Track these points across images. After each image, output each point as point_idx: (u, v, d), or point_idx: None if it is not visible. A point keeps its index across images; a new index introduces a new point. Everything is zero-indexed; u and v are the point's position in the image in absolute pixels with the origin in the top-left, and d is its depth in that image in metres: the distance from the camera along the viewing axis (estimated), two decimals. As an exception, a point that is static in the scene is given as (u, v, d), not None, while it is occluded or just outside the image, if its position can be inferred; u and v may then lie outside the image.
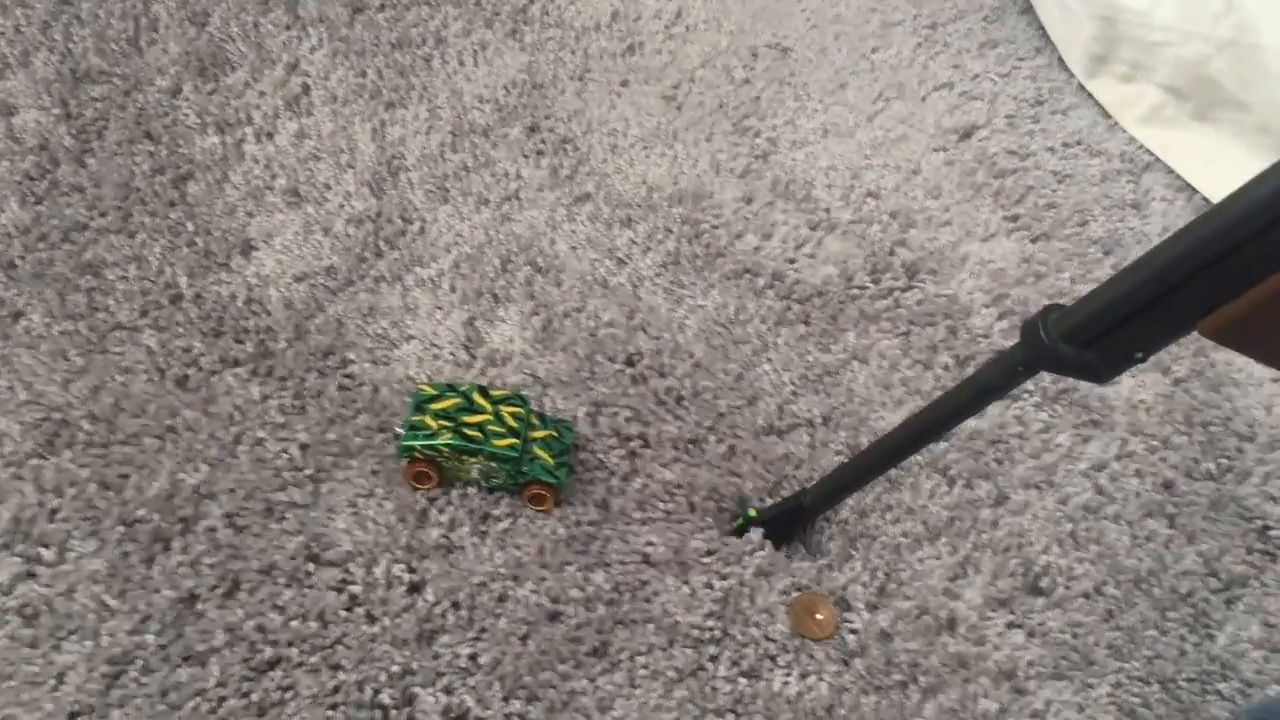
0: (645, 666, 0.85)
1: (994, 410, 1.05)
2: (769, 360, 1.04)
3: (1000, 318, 1.12)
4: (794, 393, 1.03)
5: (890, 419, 1.02)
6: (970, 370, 1.07)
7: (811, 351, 1.06)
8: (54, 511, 0.84)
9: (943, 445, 1.02)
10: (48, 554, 0.82)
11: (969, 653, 0.90)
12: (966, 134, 1.28)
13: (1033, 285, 1.16)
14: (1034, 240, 1.20)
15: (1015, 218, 1.22)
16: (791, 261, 1.12)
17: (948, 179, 1.24)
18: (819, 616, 0.90)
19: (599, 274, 1.07)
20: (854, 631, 0.90)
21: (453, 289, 1.03)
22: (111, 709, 0.77)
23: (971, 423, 1.04)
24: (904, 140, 1.26)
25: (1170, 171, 1.30)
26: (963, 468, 1.01)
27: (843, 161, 1.22)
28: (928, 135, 1.27)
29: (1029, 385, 1.08)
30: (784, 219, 1.15)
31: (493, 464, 0.88)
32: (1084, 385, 1.09)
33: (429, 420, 0.89)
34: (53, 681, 0.77)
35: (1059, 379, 1.08)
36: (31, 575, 0.81)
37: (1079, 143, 1.31)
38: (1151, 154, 1.31)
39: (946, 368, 1.07)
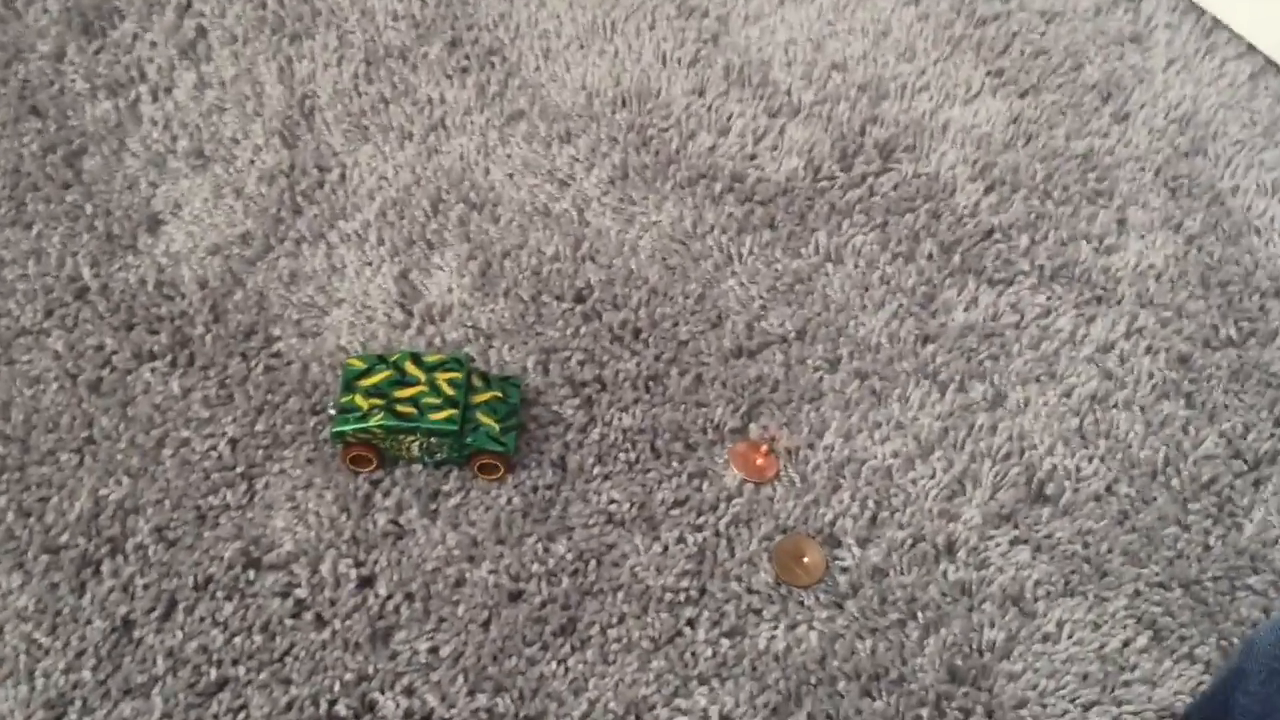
0: (618, 639, 0.80)
1: (986, 299, 0.95)
2: (733, 274, 0.95)
3: (987, 191, 1.01)
4: (763, 307, 0.94)
5: (871, 324, 0.93)
6: (958, 257, 0.97)
7: (780, 258, 0.96)
8: (-26, 547, 0.79)
9: (930, 346, 0.93)
10: (-28, 595, 0.78)
11: (971, 579, 0.83)
12: (942, -21, 1.15)
13: (1023, 148, 1.04)
14: (1022, 95, 1.08)
15: (1000, 71, 1.09)
16: (752, 158, 1.02)
17: (921, 36, 1.11)
18: (806, 560, 0.84)
19: (539, 202, 0.97)
20: (845, 571, 0.83)
21: (381, 241, 0.94)
22: (55, 755, 0.73)
23: (961, 316, 0.94)
24: (871, -3, 1.13)
25: (1176, -8, 1.16)
26: (954, 369, 0.92)
27: (802, 33, 1.10)
28: (898, -13, 1.14)
29: (1023, 264, 0.98)
30: (740, 109, 1.04)
31: (433, 439, 0.81)
32: (1085, 255, 0.98)
33: (359, 400, 0.82)
34: (-10, 733, 0.74)
35: (1054, 253, 0.98)
36: (-42, 620, 0.77)
37: (1070, -27, 1.16)
38: (1153, -24, 1.17)
39: (931, 257, 0.97)
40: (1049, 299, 0.96)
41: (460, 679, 0.77)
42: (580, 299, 0.93)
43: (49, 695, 0.75)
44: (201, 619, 0.78)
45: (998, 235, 0.99)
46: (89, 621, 0.77)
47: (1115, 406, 0.92)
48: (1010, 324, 0.94)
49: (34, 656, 0.76)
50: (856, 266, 0.96)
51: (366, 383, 0.82)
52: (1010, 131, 1.05)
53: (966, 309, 0.95)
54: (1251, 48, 1.13)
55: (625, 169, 1.00)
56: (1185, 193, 1.03)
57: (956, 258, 0.97)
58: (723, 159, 1.01)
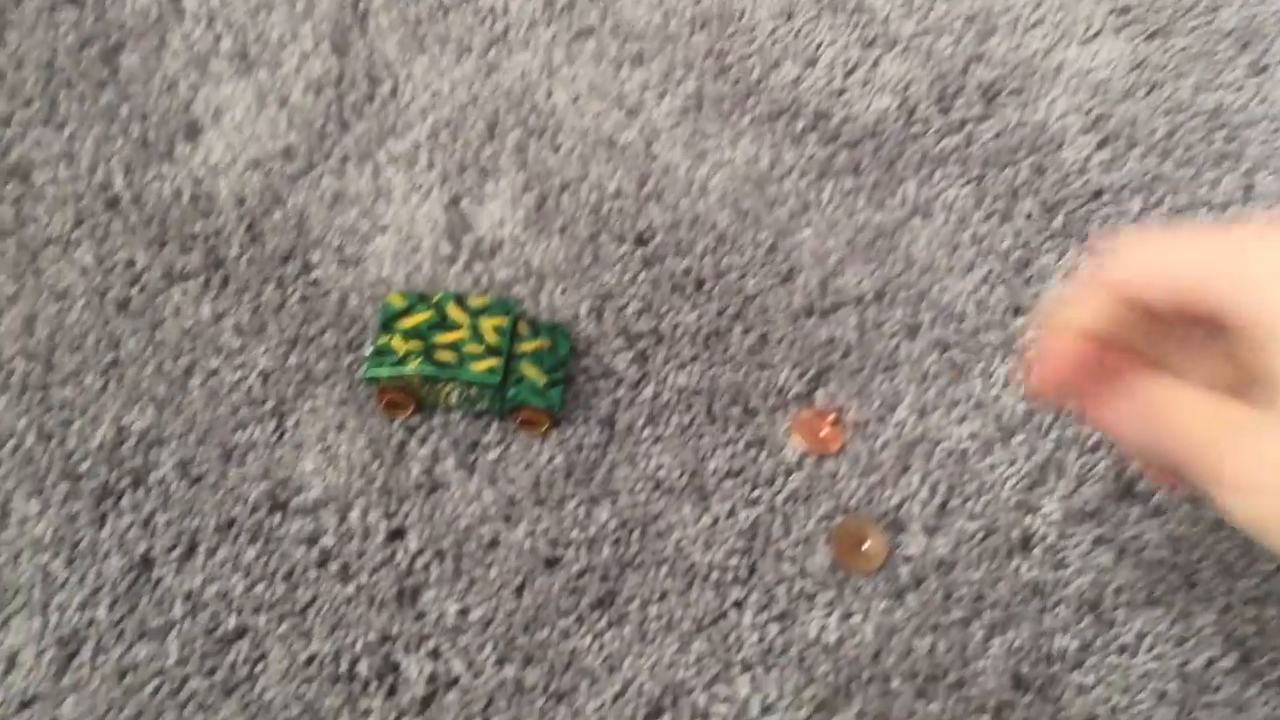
0: (658, 617, 0.74)
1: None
2: (809, 224, 0.87)
3: (1100, 146, 0.91)
4: (840, 262, 0.86)
5: (958, 288, 0.85)
6: (1060, 219, 0.88)
7: (862, 209, 0.88)
8: (-8, 470, 0.76)
9: (1021, 318, 0.85)
10: (-13, 521, 0.74)
11: (1045, 579, 0.77)
12: (1067, -100, 1.03)
13: (1144, 99, 0.94)
14: (1149, 38, 0.97)
15: (1126, 9, 0.98)
16: (840, 94, 0.93)
17: (1041, -36, 1.00)
18: (867, 545, 0.77)
19: (604, 130, 0.90)
20: (908, 560, 0.77)
21: (431, 164, 0.87)
22: (66, 694, 0.70)
23: (1058, 285, 0.86)
24: (987, -84, 1.02)
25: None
26: (1046, 345, 0.84)
27: (907, -47, 1.00)
28: (1017, -94, 1.02)
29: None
30: (831, 38, 0.95)
31: (473, 389, 0.76)
32: (1204, 224, 0.89)
33: (396, 342, 0.76)
34: (1, 666, 0.71)
35: (1169, 220, 0.88)
36: (-28, 546, 0.74)
37: (1213, -101, 1.04)
38: (1309, -93, 1.04)
39: (1030, 217, 0.88)
40: (1157, 272, 0.87)
41: (489, 646, 0.73)
42: (641, 242, 0.86)
43: (62, 632, 0.72)
44: (223, 563, 0.74)
45: (1107, 197, 0.89)
46: (107, 556, 0.74)
47: (1220, 397, 0.83)
48: (1112, 297, 0.86)
49: (49, 589, 0.73)
50: (946, 223, 0.88)
51: (406, 324, 0.76)
52: (1131, 79, 0.94)
53: (1065, 278, 0.86)
54: None
55: (700, 99, 0.91)
56: (1323, 159, 0.92)
57: (1059, 220, 0.88)
58: (808, 93, 0.92)
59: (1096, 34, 0.97)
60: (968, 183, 0.89)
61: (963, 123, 0.92)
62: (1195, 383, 0.46)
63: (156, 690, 0.71)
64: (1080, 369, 0.50)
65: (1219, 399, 0.45)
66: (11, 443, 0.76)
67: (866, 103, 0.92)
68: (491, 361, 0.75)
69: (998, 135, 0.91)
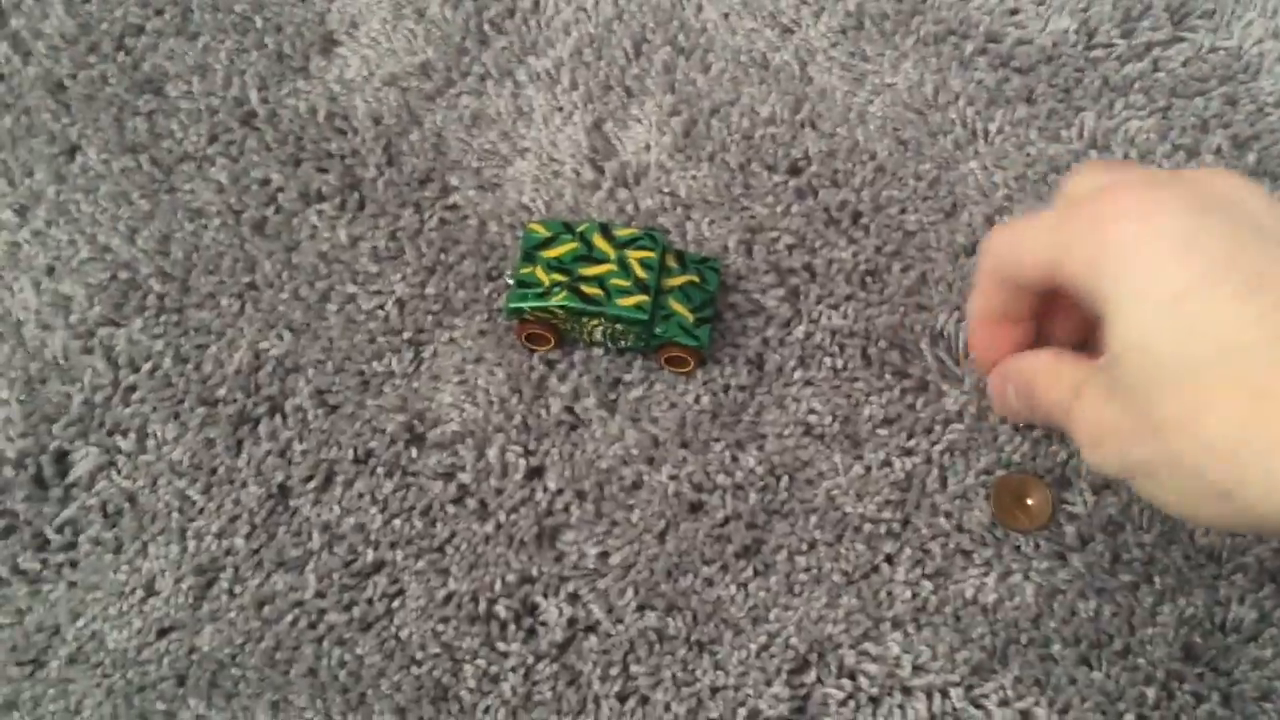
0: (806, 569, 0.71)
1: (1282, 210, 0.79)
2: (976, 155, 0.81)
3: (1301, 76, 0.83)
4: (1008, 198, 0.80)
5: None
6: (1253, 156, 0.80)
7: (1034, 141, 0.81)
8: (129, 390, 0.74)
9: (1206, 264, 0.78)
10: (126, 442, 0.73)
11: (1222, 545, 0.71)
12: None
13: (1352, 24, 0.85)
14: (1360, -45, 0.88)
15: (1335, -78, 0.89)
16: (1013, 13, 0.85)
17: (1239, -128, 0.90)
18: (1029, 502, 0.73)
19: (757, 50, 0.84)
20: (1073, 519, 0.72)
21: (574, 84, 0.83)
22: (204, 624, 0.70)
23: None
24: None
25: None
26: (1232, 294, 0.77)
27: None
28: None
29: (1334, 172, 0.80)
30: (1004, -49, 0.87)
31: (618, 325, 0.72)
32: None
33: (540, 273, 0.72)
34: (140, 593, 0.70)
35: (1379, 161, 0.80)
36: (110, 465, 0.73)
37: None
38: None
39: (1220, 152, 0.81)
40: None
41: (630, 592, 0.70)
42: (795, 171, 0.80)
43: (200, 560, 0.71)
44: (360, 495, 0.72)
45: (1307, 132, 0.81)
46: (244, 485, 0.72)
47: None
48: (1308, 244, 0.78)
49: (187, 515, 0.72)
50: (1127, 157, 0.81)
51: (549, 254, 0.73)
52: (1338, 1, 0.86)
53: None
54: None
55: (860, 17, 0.85)
56: None
57: (1252, 156, 0.80)
58: (978, 12, 0.85)
59: (1300, -50, 0.88)
60: (1152, 114, 0.82)
61: (1148, 47, 0.84)
62: (1068, 349, 0.56)
63: (294, 622, 0.70)
64: (990, 351, 0.59)
65: (1073, 361, 0.53)
66: (148, 365, 0.75)
67: (1042, 24, 0.85)
68: (640, 297, 0.71)
69: (1186, 62, 0.84)
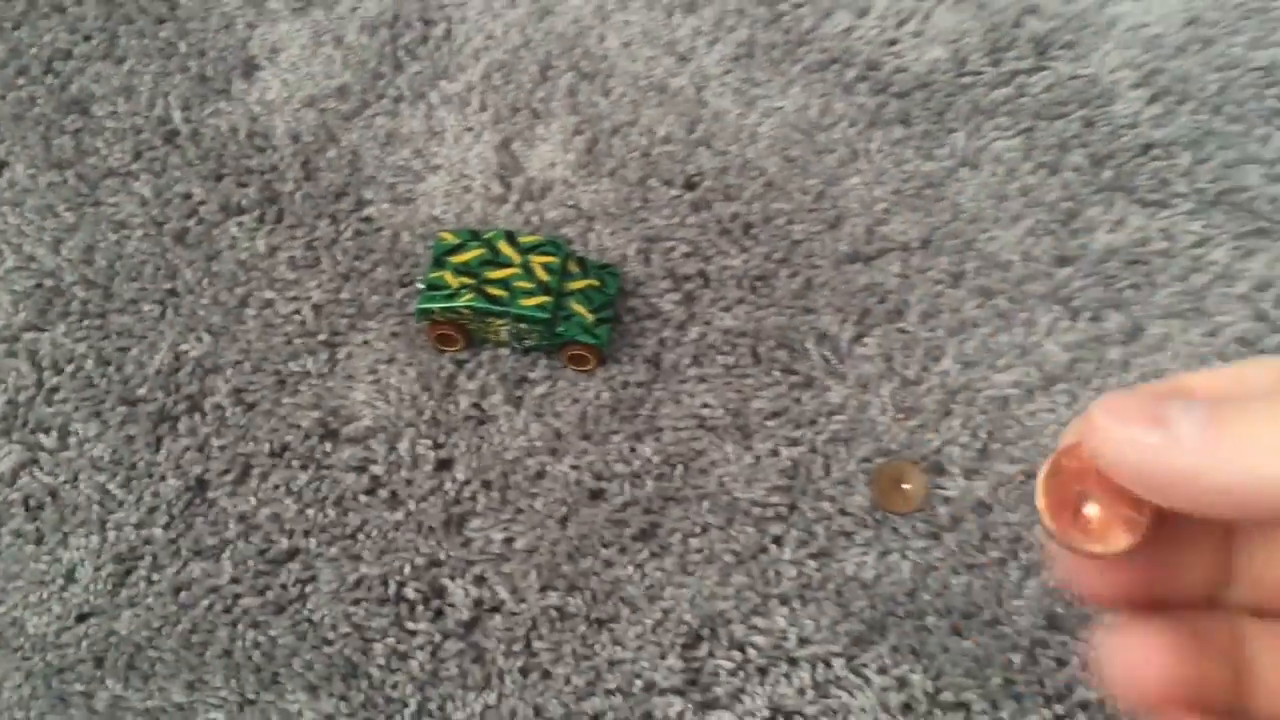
0: (699, 550, 0.76)
1: (1135, 221, 0.87)
2: (858, 172, 0.88)
3: (1151, 101, 0.91)
4: (886, 211, 0.86)
5: (1004, 238, 0.85)
6: (1109, 172, 0.88)
7: (910, 159, 0.88)
8: (52, 391, 0.78)
9: (1066, 269, 0.85)
10: (48, 440, 0.76)
11: (1083, 524, 0.77)
12: None
13: (1197, 55, 0.94)
14: (1203, -6, 0.96)
15: (1180, -35, 0.98)
16: (891, 45, 0.93)
17: (1095, -81, 0.99)
18: (906, 487, 0.78)
19: (655, 76, 0.90)
20: (947, 502, 0.78)
21: (484, 106, 0.88)
22: (122, 610, 0.73)
23: (1104, 238, 0.86)
24: None
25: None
26: (1090, 296, 0.84)
27: (960, -94, 0.99)
28: None
29: (1181, 186, 0.88)
30: (882, -12, 0.95)
31: (522, 324, 0.77)
32: (1254, 181, 0.89)
33: (448, 277, 0.77)
34: (60, 581, 0.73)
35: (1218, 176, 0.88)
36: (33, 463, 0.76)
37: None
38: None
39: (1078, 170, 0.88)
40: (1205, 226, 0.87)
41: (533, 574, 0.74)
42: (690, 186, 0.86)
43: (120, 549, 0.74)
44: (275, 486, 0.76)
45: (1157, 151, 0.89)
46: (163, 478, 0.76)
47: (1265, 350, 0.83)
48: (1158, 251, 0.86)
49: (107, 507, 0.75)
50: (994, 174, 0.88)
51: (458, 259, 0.78)
52: (1185, 34, 0.94)
53: (1111, 230, 0.86)
54: None
55: (751, 47, 0.92)
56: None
57: (1107, 173, 0.88)
58: (859, 43, 0.93)
59: (1150, -11, 0.96)
60: (1017, 134, 0.89)
61: (1013, 75, 0.92)
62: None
63: (210, 607, 0.73)
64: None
65: None
66: (70, 367, 0.78)
67: (918, 54, 0.92)
68: (542, 298, 0.76)
69: (1049, 88, 0.91)
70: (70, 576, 0.73)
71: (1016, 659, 0.74)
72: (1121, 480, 0.26)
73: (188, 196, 0.84)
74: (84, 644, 0.71)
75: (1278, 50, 0.94)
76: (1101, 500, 0.28)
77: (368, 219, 0.84)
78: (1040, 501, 0.28)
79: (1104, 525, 0.28)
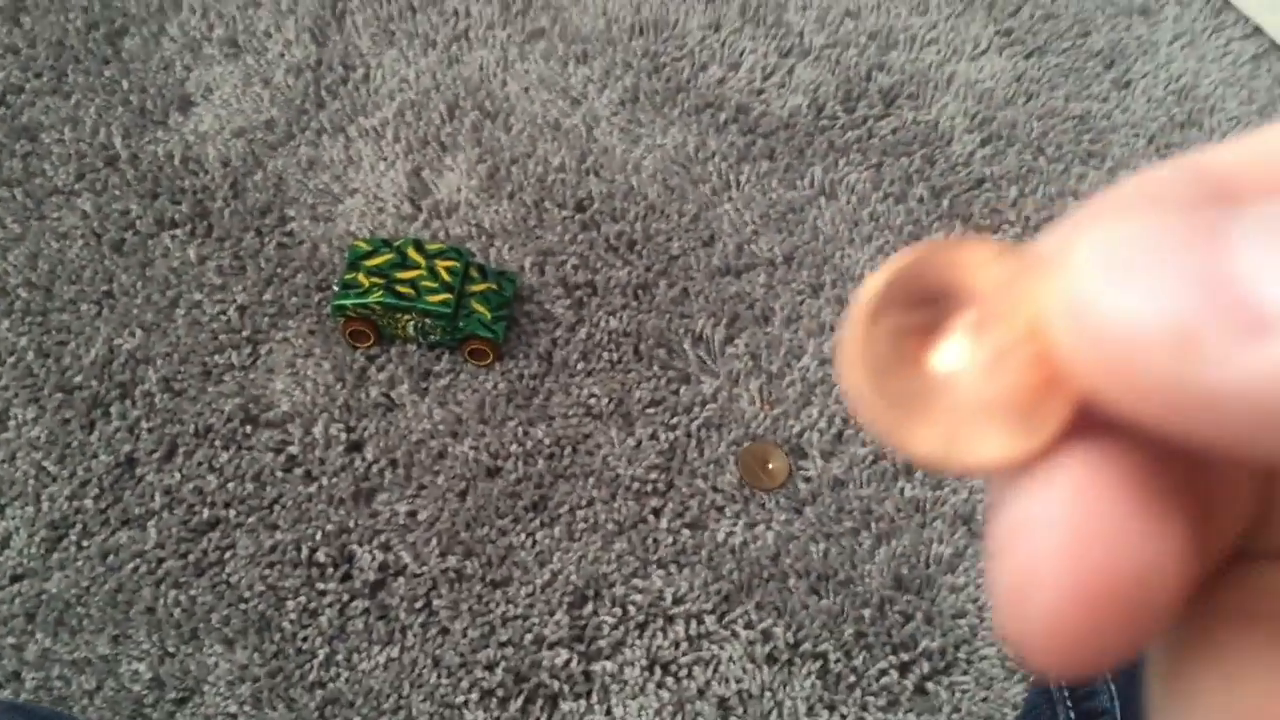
0: (585, 520, 0.85)
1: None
2: (729, 199, 1.00)
3: (983, 144, 1.05)
4: (754, 232, 0.98)
5: (857, 256, 0.98)
6: (946, 202, 1.01)
7: (775, 189, 1.01)
8: (-6, 381, 0.85)
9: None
10: (-11, 423, 0.83)
11: (925, 497, 0.88)
12: (962, -59, 1.18)
13: (1023, 105, 1.08)
14: (1028, 56, 1.11)
15: (1009, 31, 1.13)
16: (759, 93, 1.06)
17: (937, -7, 1.15)
18: (770, 466, 0.88)
19: (551, 116, 1.02)
20: (807, 480, 0.88)
21: (397, 139, 0.99)
22: (53, 571, 0.79)
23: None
24: (892, -48, 1.17)
25: (1190, -28, 1.19)
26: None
27: (821, -21, 1.14)
28: (918, -55, 1.17)
29: (1010, 214, 1.01)
30: (752, 46, 1.08)
31: (427, 320, 0.86)
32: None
33: (361, 278, 0.87)
34: (-4, 547, 0.79)
35: (1041, 206, 1.02)
36: (-26, 444, 0.83)
37: (1087, -55, 1.20)
38: (1168, -47, 1.19)
39: (921, 200, 1.01)
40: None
41: (434, 541, 0.82)
42: (581, 208, 0.97)
43: (53, 517, 0.81)
44: (199, 464, 0.83)
45: (988, 185, 1.02)
46: (95, 456, 0.83)
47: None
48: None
49: (42, 482, 0.82)
50: (848, 202, 1.00)
51: (370, 263, 0.87)
52: (1012, 89, 1.09)
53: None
54: (1258, 30, 1.16)
55: (636, 93, 1.04)
56: (1175, 161, 1.06)
57: (946, 202, 1.01)
58: (730, 91, 1.05)
59: (983, 52, 1.11)
60: (868, 169, 1.02)
61: (864, 119, 1.05)
62: None
63: (135, 569, 0.80)
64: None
65: None
66: (12, 358, 0.86)
67: (782, 101, 1.05)
68: (445, 296, 0.86)
69: (895, 131, 1.05)
70: (5, 542, 0.80)
71: (867, 614, 0.83)
72: (1111, 393, 0.13)
73: (125, 212, 0.93)
74: (16, 601, 0.78)
75: (1091, 102, 1.09)
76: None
77: (290, 233, 0.93)
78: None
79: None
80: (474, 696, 0.78)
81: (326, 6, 1.06)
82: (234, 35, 1.03)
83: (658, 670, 0.81)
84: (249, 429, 0.85)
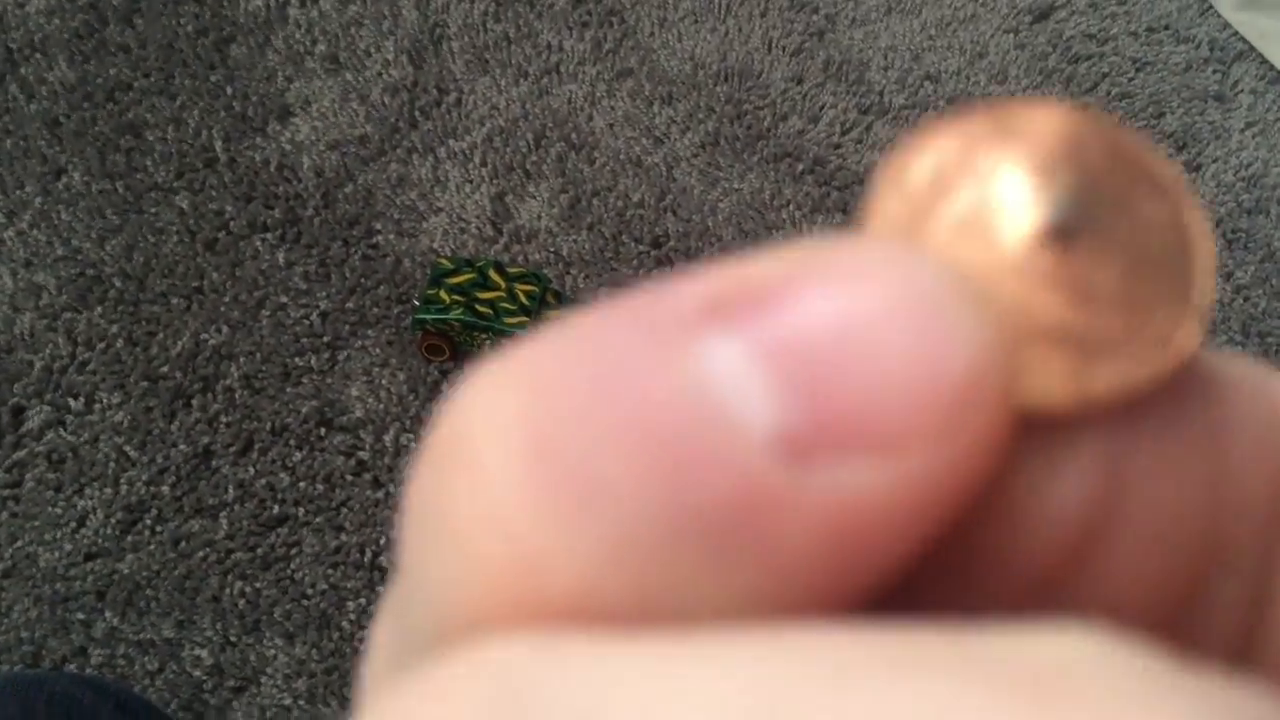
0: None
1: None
2: (801, 248, 1.02)
3: (1054, 214, 1.07)
4: (824, 283, 1.00)
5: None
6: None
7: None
8: (84, 364, 0.88)
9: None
10: (75, 404, 0.86)
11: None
12: (1043, 14, 1.21)
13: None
14: (1102, 132, 1.13)
15: (1084, 107, 1.15)
16: (836, 147, 1.08)
17: (1016, 63, 1.17)
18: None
19: (633, 153, 1.05)
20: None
21: (484, 163, 1.02)
22: (126, 553, 0.82)
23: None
24: (973, 20, 1.20)
25: (1264, 62, 1.21)
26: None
27: (903, 41, 1.17)
28: (1000, 15, 1.20)
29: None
30: (833, 101, 1.11)
31: (504, 342, 0.89)
32: None
33: (443, 295, 0.89)
34: (73, 524, 0.82)
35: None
36: (60, 423, 0.86)
37: (1165, 28, 1.22)
38: (1245, 42, 1.21)
39: (989, 264, 1.03)
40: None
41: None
42: (657, 244, 1.00)
43: (130, 500, 0.83)
44: (273, 461, 0.86)
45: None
46: (174, 445, 0.86)
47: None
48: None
49: (121, 466, 0.85)
50: (917, 259, 1.02)
51: (452, 280, 0.90)
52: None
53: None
54: (1331, 125, 1.18)
55: (717, 137, 1.07)
56: (1241, 245, 1.08)
57: (1012, 267, 1.03)
58: (809, 143, 1.08)
59: (1058, 124, 1.13)
60: (938, 229, 1.04)
61: (938, 180, 1.07)
62: None
63: (205, 558, 0.82)
64: None
65: None
66: (103, 344, 0.89)
67: (859, 157, 1.08)
68: (523, 319, 0.89)
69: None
70: (82, 521, 0.82)
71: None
72: None
73: (220, 213, 0.96)
74: (89, 579, 0.80)
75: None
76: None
77: (375, 245, 0.97)
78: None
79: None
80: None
81: (425, 31, 1.10)
82: (336, 51, 1.07)
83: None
84: (323, 431, 0.88)
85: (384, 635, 0.12)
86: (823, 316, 0.09)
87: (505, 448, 0.09)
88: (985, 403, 0.09)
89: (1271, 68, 1.20)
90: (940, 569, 0.10)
